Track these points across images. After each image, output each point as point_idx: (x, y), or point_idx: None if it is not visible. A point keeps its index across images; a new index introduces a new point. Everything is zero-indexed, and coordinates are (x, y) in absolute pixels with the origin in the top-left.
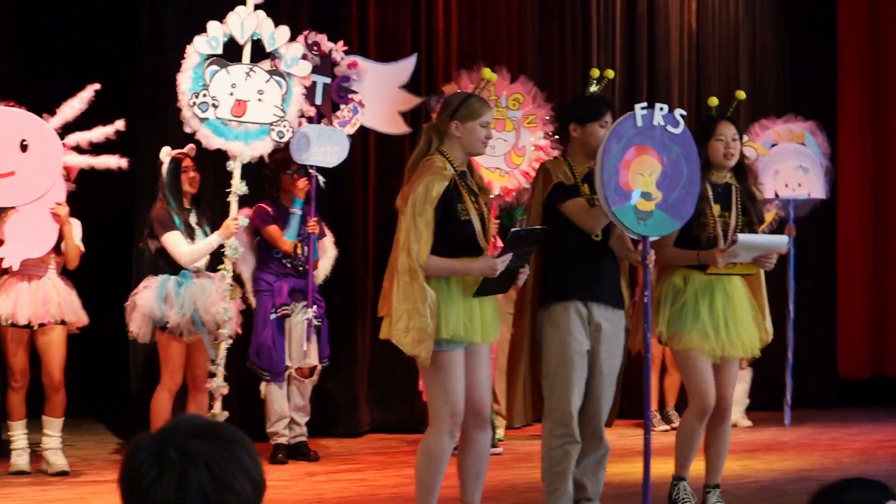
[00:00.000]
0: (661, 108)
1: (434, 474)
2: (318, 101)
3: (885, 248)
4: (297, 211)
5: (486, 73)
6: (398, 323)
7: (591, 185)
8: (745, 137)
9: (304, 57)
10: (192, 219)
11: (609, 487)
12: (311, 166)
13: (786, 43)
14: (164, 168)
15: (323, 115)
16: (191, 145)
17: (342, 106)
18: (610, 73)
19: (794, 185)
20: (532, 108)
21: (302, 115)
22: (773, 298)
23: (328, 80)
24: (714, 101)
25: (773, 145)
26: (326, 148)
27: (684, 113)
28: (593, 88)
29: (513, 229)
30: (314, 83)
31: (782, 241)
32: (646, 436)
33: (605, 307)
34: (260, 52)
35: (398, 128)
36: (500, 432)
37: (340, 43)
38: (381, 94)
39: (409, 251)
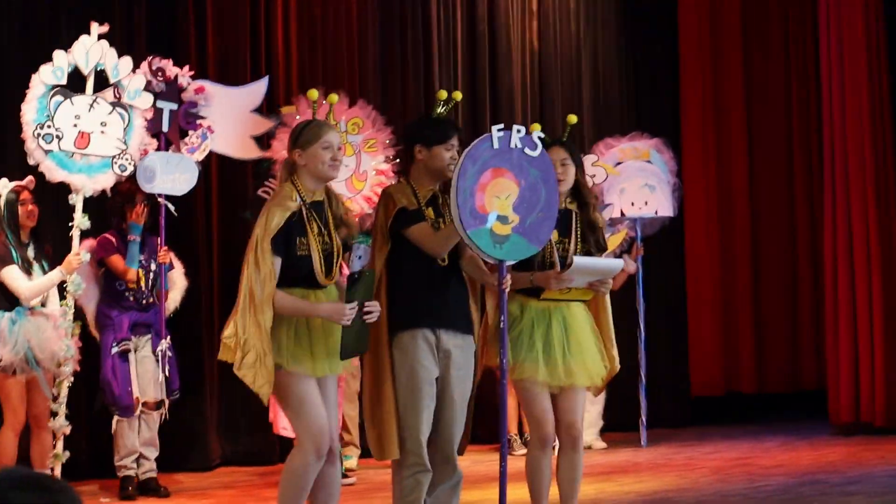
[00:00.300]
0: (519, 130)
1: (296, 494)
2: (165, 127)
3: (732, 264)
4: (135, 238)
5: (311, 93)
6: (247, 357)
7: (436, 209)
8: (594, 157)
9: (149, 85)
10: (30, 253)
11: None
12: (160, 195)
13: (629, 61)
14: (2, 201)
15: (170, 142)
16: (30, 178)
17: (190, 132)
18: (458, 95)
19: (641, 203)
20: (372, 133)
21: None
22: (624, 319)
23: (175, 107)
24: (536, 126)
25: (619, 163)
26: (175, 175)
27: (542, 135)
28: (440, 110)
29: (348, 274)
30: (160, 110)
31: (618, 264)
32: (501, 462)
33: (454, 333)
34: (102, 83)
35: (251, 152)
36: (353, 462)
37: (186, 68)
38: (232, 118)
39: (253, 285)
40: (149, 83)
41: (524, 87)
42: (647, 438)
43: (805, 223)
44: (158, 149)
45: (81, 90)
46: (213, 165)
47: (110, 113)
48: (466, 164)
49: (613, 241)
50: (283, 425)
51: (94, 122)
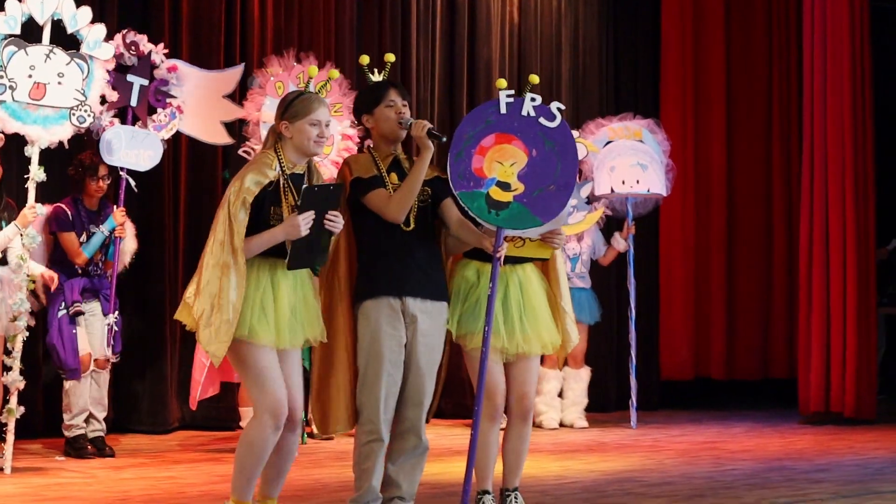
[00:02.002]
0: (533, 99)
1: (254, 464)
2: (134, 102)
3: (707, 248)
4: (104, 231)
5: (311, 69)
6: (200, 315)
7: (400, 172)
8: (577, 133)
9: (120, 58)
10: None
11: (424, 487)
12: (122, 168)
13: (609, 38)
14: None
15: (138, 117)
16: None
17: (159, 110)
18: (390, 57)
19: (633, 181)
20: (338, 97)
21: (115, 115)
22: (614, 300)
23: (145, 82)
24: (535, 78)
25: (609, 142)
26: (139, 151)
27: (562, 107)
28: (377, 77)
29: (304, 186)
30: (130, 84)
31: (565, 209)
32: (473, 432)
33: (421, 299)
34: (62, 35)
35: (219, 137)
36: None
37: (161, 45)
38: (203, 101)
39: (222, 245)
40: (121, 55)
41: (502, 60)
42: (614, 420)
43: (782, 210)
44: (124, 122)
45: (38, 41)
46: (183, 139)
47: (68, 63)
48: (465, 125)
49: (590, 218)
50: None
51: (51, 72)
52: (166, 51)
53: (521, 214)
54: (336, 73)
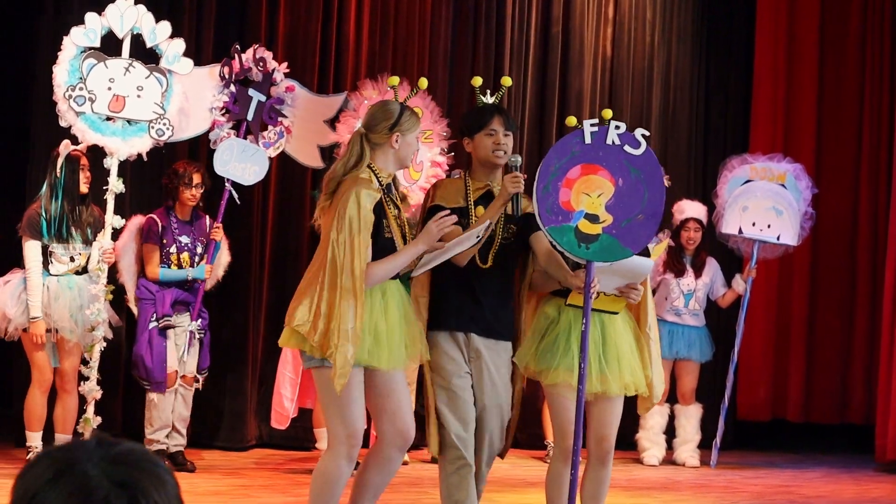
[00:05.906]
0: (617, 127)
1: (328, 497)
2: (250, 116)
3: (789, 288)
4: (189, 276)
5: (391, 80)
6: (331, 339)
7: (488, 206)
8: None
9: (249, 73)
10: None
11: None
12: (228, 180)
13: (701, 74)
14: (59, 163)
15: (251, 130)
16: (86, 143)
17: (270, 127)
18: (506, 81)
19: (764, 225)
20: (429, 124)
21: (232, 127)
22: (721, 341)
23: (263, 98)
24: (608, 112)
25: (748, 181)
26: (246, 165)
27: (646, 133)
28: (488, 99)
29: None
30: (250, 98)
31: (647, 264)
32: (572, 471)
33: (486, 338)
34: (141, 49)
35: (314, 161)
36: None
37: (284, 65)
38: (306, 123)
39: (342, 268)
40: (249, 70)
41: (593, 92)
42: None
43: (867, 253)
44: (238, 136)
45: (118, 55)
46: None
47: (147, 77)
48: (551, 158)
49: (657, 250)
50: None
51: (130, 85)
52: (287, 70)
53: (611, 246)
54: (425, 83)
